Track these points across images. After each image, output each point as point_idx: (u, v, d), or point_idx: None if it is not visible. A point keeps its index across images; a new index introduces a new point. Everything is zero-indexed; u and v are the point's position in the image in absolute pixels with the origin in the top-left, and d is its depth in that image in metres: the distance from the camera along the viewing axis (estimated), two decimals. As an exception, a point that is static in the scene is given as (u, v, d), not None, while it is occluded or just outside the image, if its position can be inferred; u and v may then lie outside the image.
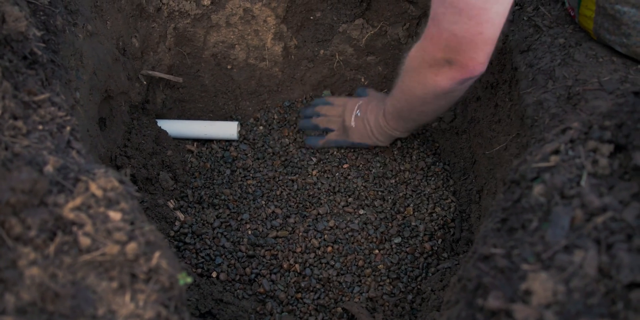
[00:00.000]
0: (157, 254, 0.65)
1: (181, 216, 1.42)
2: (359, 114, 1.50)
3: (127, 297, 0.61)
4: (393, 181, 1.55)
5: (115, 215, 0.66)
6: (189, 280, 0.69)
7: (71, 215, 0.64)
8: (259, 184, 1.55)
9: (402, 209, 1.48)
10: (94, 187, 0.68)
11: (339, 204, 1.50)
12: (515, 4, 1.31)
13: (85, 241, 0.63)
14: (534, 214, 0.70)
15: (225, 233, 1.42)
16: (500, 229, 0.74)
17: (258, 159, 1.61)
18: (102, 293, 0.61)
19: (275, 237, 1.43)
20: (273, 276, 1.37)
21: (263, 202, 1.51)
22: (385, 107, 1.39)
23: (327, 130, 1.60)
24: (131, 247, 0.64)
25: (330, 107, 1.61)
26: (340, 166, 1.59)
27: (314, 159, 1.60)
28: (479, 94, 1.45)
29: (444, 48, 1.06)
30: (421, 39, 1.12)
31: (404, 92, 1.26)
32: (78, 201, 0.66)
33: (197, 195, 1.50)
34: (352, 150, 1.61)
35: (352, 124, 1.51)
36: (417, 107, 1.27)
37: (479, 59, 1.06)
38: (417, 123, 1.40)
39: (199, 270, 1.35)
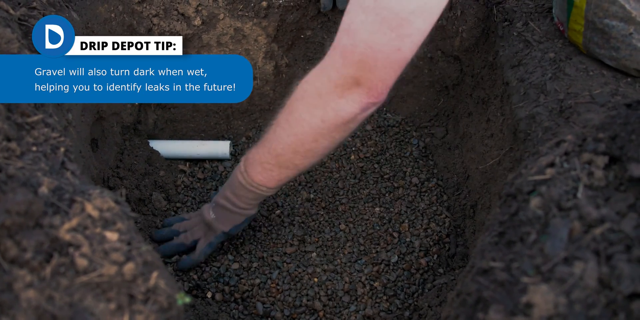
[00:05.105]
0: (154, 274, 0.64)
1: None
2: (213, 204, 1.32)
3: (126, 318, 0.61)
4: (388, 198, 1.54)
5: (112, 235, 0.66)
6: (187, 300, 0.68)
7: (67, 237, 0.64)
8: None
9: (397, 225, 1.48)
10: (90, 208, 0.67)
11: (332, 221, 1.50)
12: (504, 19, 1.32)
13: (82, 262, 0.62)
14: (532, 226, 0.70)
15: (217, 254, 1.42)
16: (498, 243, 0.74)
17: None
18: (100, 314, 0.60)
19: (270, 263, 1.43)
20: (270, 298, 1.36)
21: (256, 222, 1.50)
22: (249, 160, 1.21)
23: (194, 244, 1.37)
24: (129, 267, 0.63)
25: (187, 222, 1.40)
26: (332, 185, 1.58)
27: (306, 178, 1.60)
28: (471, 110, 1.46)
29: (356, 63, 0.97)
30: (327, 56, 1.02)
31: (292, 124, 1.09)
32: (74, 222, 0.65)
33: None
34: (343, 167, 1.61)
35: (212, 215, 1.32)
36: (308, 143, 1.10)
37: (388, 81, 0.99)
38: (296, 171, 1.19)
39: (194, 291, 1.34)
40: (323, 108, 1.04)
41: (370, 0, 0.91)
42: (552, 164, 0.78)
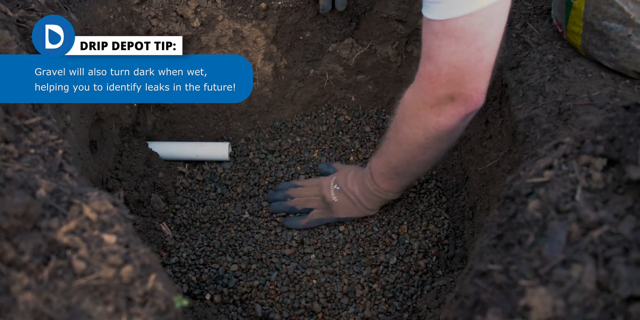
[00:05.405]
0: (152, 277, 0.64)
1: (169, 232, 1.42)
2: (338, 188, 1.42)
3: (123, 321, 0.61)
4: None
5: (109, 238, 0.66)
6: (185, 302, 0.68)
7: (65, 239, 0.64)
8: (252, 207, 1.54)
9: (396, 227, 1.48)
10: (87, 210, 0.67)
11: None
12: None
13: (79, 265, 0.62)
14: (530, 229, 0.70)
15: (216, 256, 1.42)
16: (497, 245, 0.74)
17: (250, 179, 1.60)
18: (98, 317, 0.60)
19: (268, 265, 1.42)
20: (269, 300, 1.36)
21: (255, 224, 1.50)
22: (373, 169, 1.32)
23: (305, 211, 1.50)
24: (126, 270, 0.63)
25: (303, 189, 1.51)
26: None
27: (305, 177, 1.60)
28: (469, 111, 1.46)
29: (446, 83, 1.01)
30: (416, 82, 1.07)
31: (401, 142, 1.18)
32: (72, 225, 0.65)
33: (188, 218, 1.49)
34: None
35: (335, 198, 1.42)
36: (418, 156, 1.19)
37: (481, 89, 1.02)
38: (415, 177, 1.35)
39: (194, 291, 1.34)
40: (424, 127, 1.10)
41: (438, 25, 0.95)
42: (550, 166, 0.78)
